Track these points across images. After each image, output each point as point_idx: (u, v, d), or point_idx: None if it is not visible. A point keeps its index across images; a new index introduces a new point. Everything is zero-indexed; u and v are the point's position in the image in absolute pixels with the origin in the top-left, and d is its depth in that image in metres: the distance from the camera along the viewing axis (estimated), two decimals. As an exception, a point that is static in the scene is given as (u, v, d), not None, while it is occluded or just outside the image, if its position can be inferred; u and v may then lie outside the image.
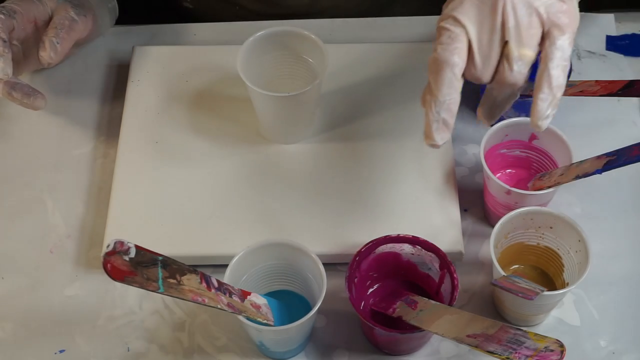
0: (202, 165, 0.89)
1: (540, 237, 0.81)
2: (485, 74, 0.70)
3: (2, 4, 0.86)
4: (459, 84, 0.69)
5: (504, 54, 0.70)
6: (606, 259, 0.85)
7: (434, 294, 0.81)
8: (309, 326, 0.78)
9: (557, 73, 0.70)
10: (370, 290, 0.83)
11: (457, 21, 0.69)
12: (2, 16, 0.84)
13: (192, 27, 1.03)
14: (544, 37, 0.69)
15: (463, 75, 0.70)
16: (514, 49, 0.69)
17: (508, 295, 0.78)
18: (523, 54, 0.69)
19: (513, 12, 0.68)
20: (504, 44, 0.69)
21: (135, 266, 0.63)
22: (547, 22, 0.69)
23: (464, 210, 0.88)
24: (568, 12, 0.69)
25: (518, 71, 0.70)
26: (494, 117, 0.77)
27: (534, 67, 0.95)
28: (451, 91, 0.69)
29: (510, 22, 0.68)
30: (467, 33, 0.69)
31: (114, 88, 0.98)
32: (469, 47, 0.69)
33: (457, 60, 0.68)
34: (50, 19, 0.88)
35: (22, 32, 0.86)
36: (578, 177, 0.79)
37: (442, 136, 0.70)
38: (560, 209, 0.81)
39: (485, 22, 0.69)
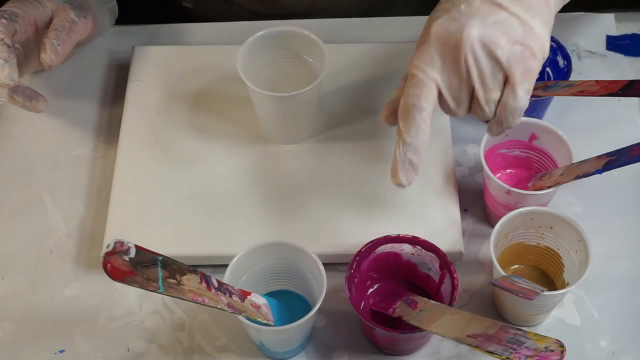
0: (202, 165, 0.89)
1: (541, 237, 0.81)
2: (459, 113, 0.74)
3: (2, 8, 0.86)
4: (426, 128, 0.72)
5: (473, 96, 0.73)
6: (606, 259, 0.85)
7: (434, 294, 0.81)
8: (309, 326, 0.78)
9: (508, 120, 0.73)
10: (370, 290, 0.83)
11: (425, 70, 0.71)
12: (4, 20, 0.83)
13: (192, 27, 1.03)
14: (506, 81, 0.72)
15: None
16: (480, 94, 0.72)
17: (508, 295, 0.78)
18: (490, 98, 0.72)
19: (475, 65, 0.70)
20: (472, 87, 0.72)
21: (135, 266, 0.63)
22: (508, 70, 0.71)
23: (464, 210, 0.88)
24: (530, 59, 0.71)
25: (489, 110, 0.73)
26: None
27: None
28: (419, 134, 0.71)
29: (474, 74, 0.71)
30: (434, 80, 0.72)
31: (114, 88, 0.98)
32: (439, 92, 0.72)
33: (425, 105, 0.71)
34: (51, 20, 0.88)
35: (24, 35, 0.86)
36: (578, 177, 0.79)
37: (408, 176, 0.73)
38: (560, 209, 0.81)
39: (450, 71, 0.71)
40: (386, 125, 0.79)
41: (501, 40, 0.70)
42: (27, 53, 0.87)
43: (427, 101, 0.71)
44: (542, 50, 0.72)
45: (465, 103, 0.73)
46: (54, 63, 0.85)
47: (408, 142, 0.71)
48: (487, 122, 0.76)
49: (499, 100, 0.72)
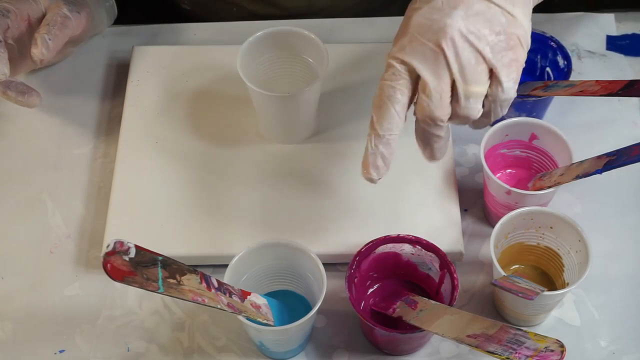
0: (202, 165, 0.89)
1: (541, 237, 0.81)
2: (437, 110, 0.69)
3: None
4: (400, 121, 0.69)
5: (453, 90, 0.69)
6: (606, 259, 0.85)
7: (434, 294, 0.81)
8: (309, 326, 0.78)
9: (497, 111, 0.71)
10: (370, 290, 0.83)
11: (403, 61, 0.69)
12: None
13: (192, 27, 1.03)
14: (491, 75, 0.69)
15: (415, 114, 0.70)
16: (460, 88, 0.68)
17: (508, 295, 0.78)
18: (470, 92, 0.69)
19: (455, 57, 0.67)
20: (453, 81, 0.69)
21: (135, 266, 0.63)
22: (492, 62, 0.68)
23: (464, 210, 0.88)
24: (514, 49, 0.69)
25: (467, 107, 0.69)
26: (428, 146, 0.74)
27: (532, 69, 0.95)
28: (392, 127, 0.69)
29: (454, 66, 0.68)
30: (413, 71, 0.69)
31: (114, 88, 0.98)
32: (420, 85, 0.69)
33: (400, 97, 0.69)
34: (44, 16, 0.87)
35: (16, 31, 0.86)
36: (578, 177, 0.79)
37: (378, 171, 0.70)
38: (560, 209, 0.81)
39: (431, 63, 0.68)
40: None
41: (484, 31, 0.67)
42: (21, 49, 0.87)
43: (403, 94, 0.69)
44: (526, 39, 0.70)
45: (445, 99, 0.69)
46: (45, 58, 0.84)
47: (381, 134, 0.69)
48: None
49: (486, 94, 0.70)
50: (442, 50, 0.67)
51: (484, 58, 0.68)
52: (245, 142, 0.91)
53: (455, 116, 0.70)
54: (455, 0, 0.68)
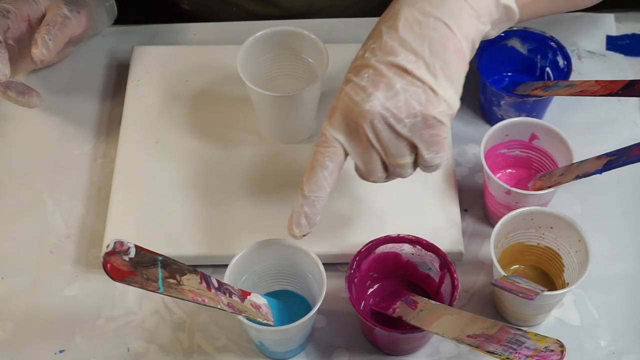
0: (202, 165, 0.89)
1: (541, 237, 0.81)
2: (370, 177, 0.74)
3: None
4: (327, 185, 0.73)
5: (382, 159, 0.73)
6: (606, 259, 0.85)
7: (434, 294, 0.81)
8: (309, 326, 0.78)
9: (429, 171, 0.74)
10: (370, 290, 0.83)
11: (332, 133, 0.72)
12: None
13: (192, 27, 1.03)
14: (415, 147, 0.72)
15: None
16: (387, 161, 0.73)
17: (508, 295, 0.78)
18: (396, 163, 0.73)
19: (376, 138, 0.71)
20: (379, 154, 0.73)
21: (135, 266, 0.63)
22: (412, 139, 0.71)
23: (464, 210, 0.88)
24: (433, 127, 0.71)
25: (397, 172, 0.74)
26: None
27: (532, 69, 0.95)
28: (319, 191, 0.72)
29: (376, 145, 0.72)
30: (341, 143, 0.72)
31: (114, 88, 0.98)
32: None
33: (329, 164, 0.72)
34: (44, 16, 0.87)
35: (17, 32, 0.86)
36: (578, 177, 0.79)
37: (301, 229, 0.73)
38: (560, 209, 0.81)
39: (355, 139, 0.72)
40: None
41: (402, 114, 0.70)
42: (21, 50, 0.87)
43: (332, 160, 0.72)
44: (450, 109, 0.71)
45: (374, 169, 0.73)
46: (46, 58, 0.84)
47: (307, 195, 0.73)
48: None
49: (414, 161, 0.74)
50: (365, 131, 0.70)
51: (403, 137, 0.71)
52: (245, 142, 0.91)
53: (391, 175, 0.75)
54: (377, 79, 0.70)
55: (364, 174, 0.75)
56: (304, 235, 0.73)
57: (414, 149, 0.72)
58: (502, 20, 0.74)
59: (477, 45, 0.72)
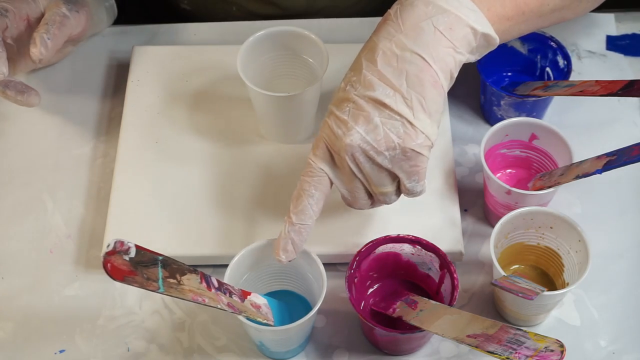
0: (202, 165, 0.89)
1: (541, 237, 0.81)
2: (355, 204, 0.77)
3: None
4: (313, 213, 0.75)
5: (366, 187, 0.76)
6: (606, 259, 0.85)
7: (434, 294, 0.81)
8: (309, 326, 0.78)
9: (412, 197, 0.77)
10: (370, 290, 0.83)
11: (317, 163, 0.75)
12: None
13: (192, 27, 1.03)
14: (397, 177, 0.75)
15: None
16: (371, 190, 0.76)
17: (508, 295, 0.78)
18: (379, 192, 0.75)
19: (358, 170, 0.74)
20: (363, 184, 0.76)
21: (135, 266, 0.63)
22: (392, 170, 0.73)
23: (464, 210, 0.88)
24: (412, 159, 0.72)
25: (381, 200, 0.76)
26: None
27: (532, 69, 0.95)
28: (305, 218, 0.75)
29: (359, 176, 0.74)
30: (326, 173, 0.75)
31: (114, 88, 0.98)
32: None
33: (314, 192, 0.75)
34: (43, 15, 0.87)
35: (15, 31, 0.86)
36: (578, 177, 0.79)
37: (287, 255, 0.75)
38: (560, 209, 0.81)
39: (339, 170, 0.75)
40: None
41: (381, 147, 0.71)
42: (20, 49, 0.87)
43: (317, 189, 0.74)
44: (428, 140, 0.72)
45: (359, 197, 0.76)
46: (44, 57, 0.84)
47: (294, 223, 0.74)
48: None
49: (397, 187, 0.76)
50: (347, 163, 0.73)
51: (384, 168, 0.73)
52: (245, 142, 0.91)
53: (376, 202, 0.77)
54: (357, 113, 0.72)
55: (350, 202, 0.77)
56: (289, 261, 0.75)
57: (395, 178, 0.74)
58: (482, 46, 0.75)
59: (455, 75, 0.73)
